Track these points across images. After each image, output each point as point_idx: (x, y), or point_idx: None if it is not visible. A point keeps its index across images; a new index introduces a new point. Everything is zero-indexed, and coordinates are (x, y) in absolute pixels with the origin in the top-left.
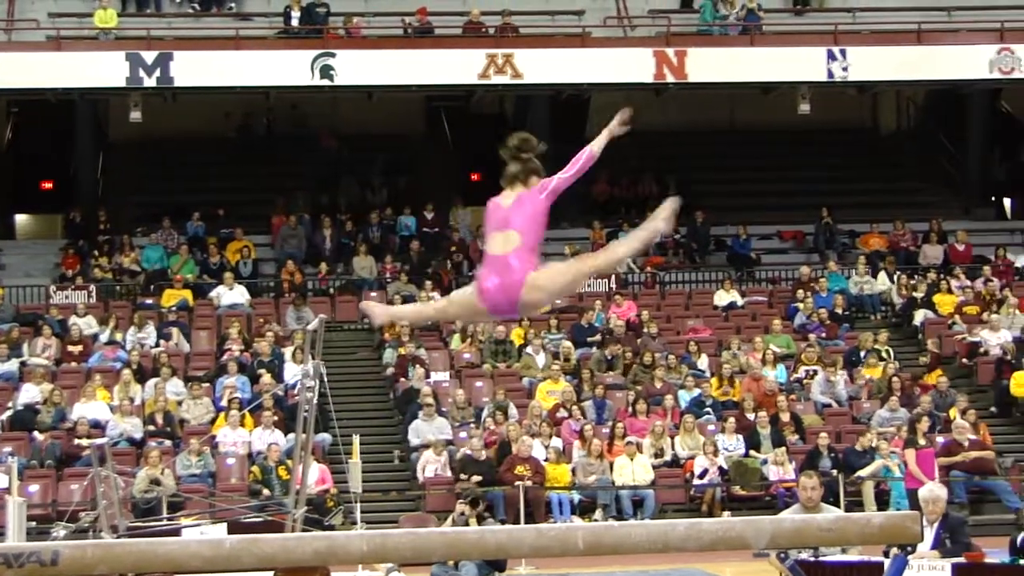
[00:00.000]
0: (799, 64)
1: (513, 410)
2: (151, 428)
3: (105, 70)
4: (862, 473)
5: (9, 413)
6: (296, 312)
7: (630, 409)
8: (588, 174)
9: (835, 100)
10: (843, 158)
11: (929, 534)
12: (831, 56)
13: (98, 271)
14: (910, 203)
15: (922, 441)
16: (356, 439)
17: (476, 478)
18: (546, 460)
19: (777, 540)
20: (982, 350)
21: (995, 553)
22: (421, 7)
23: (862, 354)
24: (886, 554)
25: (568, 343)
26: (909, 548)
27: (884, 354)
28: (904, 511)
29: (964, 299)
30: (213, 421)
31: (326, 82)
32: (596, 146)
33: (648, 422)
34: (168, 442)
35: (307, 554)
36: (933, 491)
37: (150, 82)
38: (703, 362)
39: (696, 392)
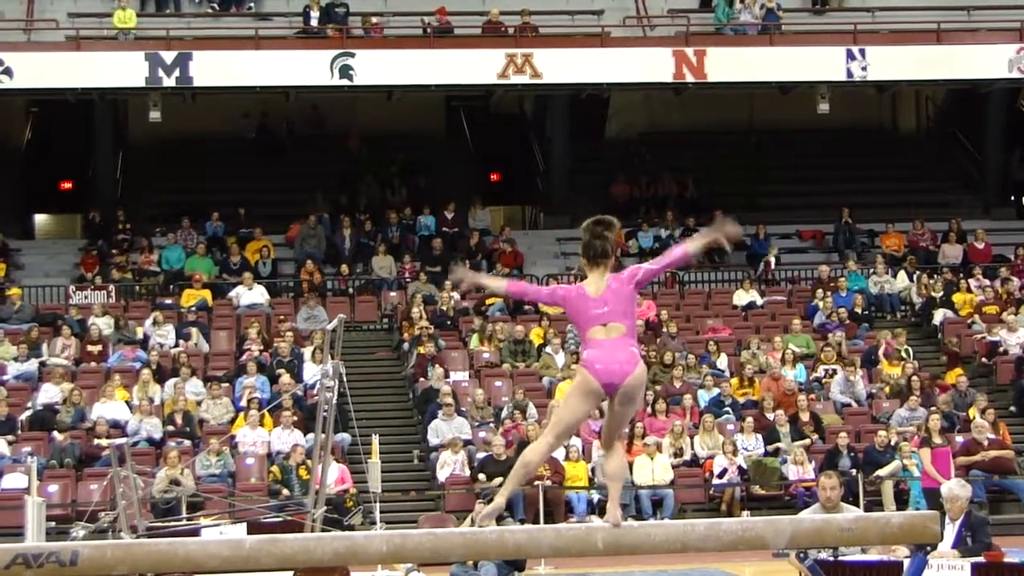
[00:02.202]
0: (818, 64)
1: (532, 410)
2: (170, 428)
3: (124, 70)
4: (881, 473)
5: (29, 413)
6: (308, 312)
7: (649, 409)
8: (607, 175)
9: (854, 100)
10: (862, 158)
11: (950, 532)
12: (850, 56)
13: (117, 271)
14: (929, 203)
15: (938, 440)
16: (375, 439)
17: (497, 480)
18: (565, 460)
19: (797, 540)
20: (1001, 349)
21: (1015, 552)
22: (440, 7)
23: (880, 351)
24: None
25: None
26: (929, 547)
27: (904, 353)
28: (923, 511)
29: (983, 298)
30: (232, 421)
31: (345, 82)
32: (692, 247)
33: (667, 422)
34: (187, 442)
35: (327, 554)
36: (953, 489)
37: (169, 82)
38: (722, 362)
39: (715, 392)
